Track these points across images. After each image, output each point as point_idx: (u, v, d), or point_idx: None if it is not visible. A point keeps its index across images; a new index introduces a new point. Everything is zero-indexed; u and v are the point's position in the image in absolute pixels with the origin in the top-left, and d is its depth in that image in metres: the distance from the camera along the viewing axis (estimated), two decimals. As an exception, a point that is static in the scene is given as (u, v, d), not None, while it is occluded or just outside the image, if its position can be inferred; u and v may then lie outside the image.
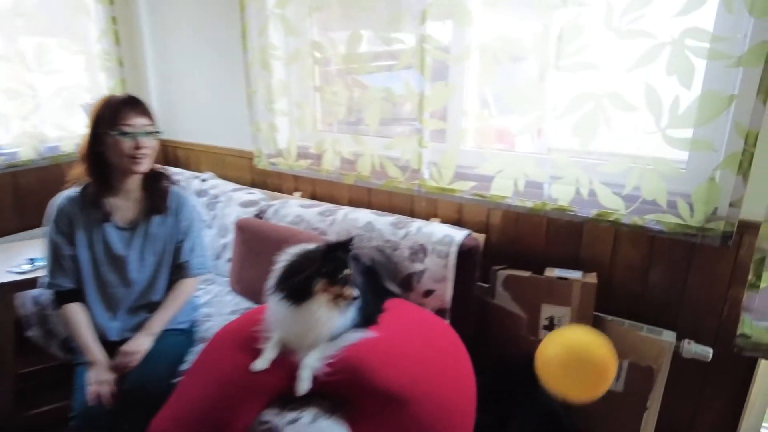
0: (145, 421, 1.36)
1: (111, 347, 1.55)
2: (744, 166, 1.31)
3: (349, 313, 1.40)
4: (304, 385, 1.33)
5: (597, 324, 1.60)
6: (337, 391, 1.35)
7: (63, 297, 1.58)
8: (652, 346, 1.50)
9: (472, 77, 1.76)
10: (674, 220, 1.44)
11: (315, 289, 1.32)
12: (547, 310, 1.64)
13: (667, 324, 1.57)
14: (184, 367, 1.57)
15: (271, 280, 1.42)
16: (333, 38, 2.03)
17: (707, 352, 1.48)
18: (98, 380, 1.46)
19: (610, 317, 1.61)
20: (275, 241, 1.84)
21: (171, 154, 2.96)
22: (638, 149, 1.46)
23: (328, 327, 1.37)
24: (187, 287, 1.72)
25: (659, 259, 1.55)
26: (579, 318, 1.60)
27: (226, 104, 2.54)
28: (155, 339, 1.60)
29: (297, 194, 2.32)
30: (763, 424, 1.69)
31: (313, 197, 2.30)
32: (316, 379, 1.35)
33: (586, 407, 1.53)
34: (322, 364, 1.36)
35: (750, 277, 1.34)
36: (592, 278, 1.59)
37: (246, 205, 2.22)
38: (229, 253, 2.16)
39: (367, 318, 1.48)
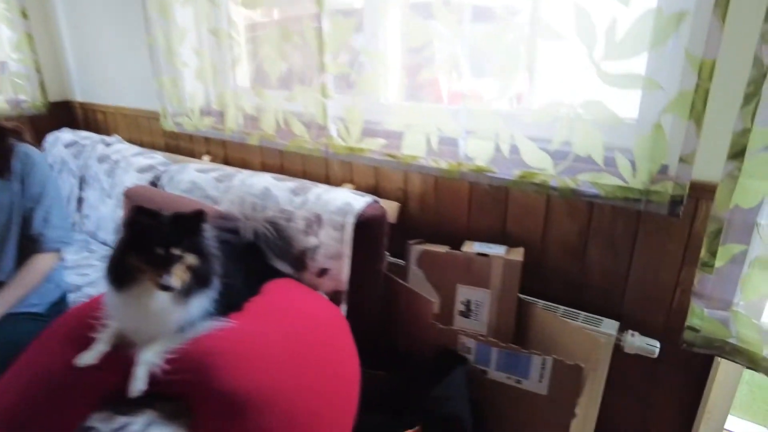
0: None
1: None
2: (697, 108, 0.99)
3: (198, 301, 1.11)
4: (137, 384, 1.06)
5: (522, 310, 1.31)
6: (177, 392, 1.09)
7: None
8: (585, 339, 1.21)
9: (390, 18, 1.44)
10: (613, 181, 1.13)
11: (134, 270, 1.03)
12: (463, 293, 1.35)
13: (609, 312, 1.28)
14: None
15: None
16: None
17: (654, 346, 1.19)
18: None
19: (540, 302, 1.32)
20: (162, 211, 1.55)
21: (90, 117, 2.66)
22: (567, 92, 1.14)
23: (165, 318, 1.08)
24: (39, 264, 1.44)
25: (599, 233, 1.25)
26: (501, 302, 1.30)
27: (134, 60, 2.22)
28: (-8, 326, 1.32)
29: (206, 158, 2.02)
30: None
31: (226, 162, 2.01)
32: (154, 379, 1.07)
33: (503, 413, 1.25)
34: (161, 359, 1.08)
35: (702, 253, 1.04)
36: (517, 254, 1.30)
37: (143, 170, 1.93)
38: (125, 226, 1.88)
39: (229, 304, 1.19)
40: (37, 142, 2.39)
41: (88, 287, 1.70)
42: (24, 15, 2.43)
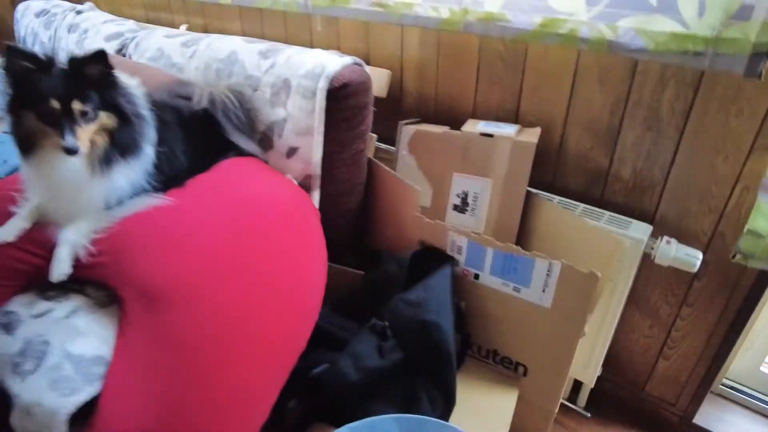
0: None
1: None
2: None
3: (122, 173, 0.91)
4: (60, 267, 0.89)
5: (530, 206, 1.06)
6: (101, 277, 0.91)
7: None
8: (606, 242, 0.96)
9: None
10: (668, 26, 0.81)
11: (33, 131, 0.83)
12: (460, 183, 1.10)
13: (642, 213, 1.02)
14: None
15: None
16: None
17: (694, 258, 0.93)
18: None
19: (555, 198, 1.06)
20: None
21: (71, -12, 2.37)
22: None
23: (81, 191, 0.89)
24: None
25: (639, 106, 0.94)
26: (505, 195, 1.05)
27: None
28: None
29: (183, 28, 1.75)
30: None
31: (205, 32, 1.72)
32: (78, 263, 0.90)
33: (491, 324, 1.05)
34: (87, 240, 0.90)
35: (787, 128, 0.74)
36: (530, 136, 1.02)
37: (111, 38, 1.68)
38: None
39: (168, 178, 0.98)
40: (11, 16, 2.16)
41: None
42: None
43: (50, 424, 0.78)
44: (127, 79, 0.94)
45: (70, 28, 1.88)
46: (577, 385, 1.22)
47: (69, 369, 0.83)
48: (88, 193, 0.90)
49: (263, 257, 0.94)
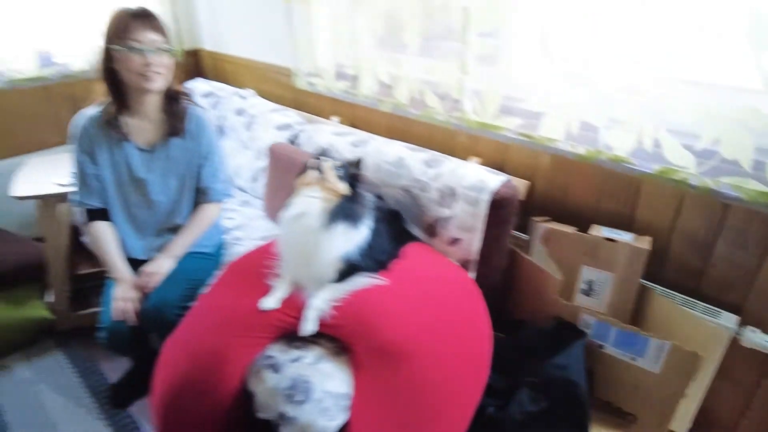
0: (161, 342, 1.39)
1: (140, 265, 1.57)
2: None
3: (343, 233, 1.29)
4: (309, 326, 1.28)
5: (643, 296, 1.40)
6: (340, 336, 1.30)
7: (92, 215, 1.61)
8: (704, 329, 1.29)
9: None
10: (757, 187, 1.16)
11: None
12: (587, 273, 1.46)
13: (729, 306, 1.34)
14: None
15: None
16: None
17: (773, 343, 1.25)
18: (123, 297, 1.49)
19: (659, 289, 1.40)
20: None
21: (219, 67, 2.87)
22: (725, 92, 1.16)
23: (314, 233, 1.28)
24: (209, 213, 1.69)
25: (731, 232, 1.28)
26: (623, 286, 1.40)
27: (267, 14, 2.36)
28: (177, 261, 1.61)
29: (334, 119, 2.18)
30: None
31: (352, 124, 2.15)
32: (322, 322, 1.30)
33: (610, 382, 1.39)
34: (328, 306, 1.30)
35: None
36: (644, 243, 1.37)
37: (281, 128, 2.12)
38: (266, 177, 2.10)
39: (379, 262, 1.38)
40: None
41: (235, 230, 1.95)
42: (166, -31, 2.61)
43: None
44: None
45: (238, 112, 2.34)
46: (669, 432, 1.54)
47: (328, 402, 1.22)
48: (319, 239, 1.28)
49: (454, 323, 1.31)
